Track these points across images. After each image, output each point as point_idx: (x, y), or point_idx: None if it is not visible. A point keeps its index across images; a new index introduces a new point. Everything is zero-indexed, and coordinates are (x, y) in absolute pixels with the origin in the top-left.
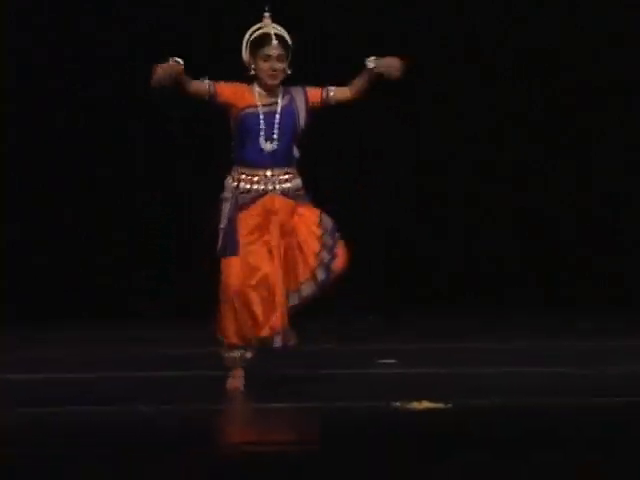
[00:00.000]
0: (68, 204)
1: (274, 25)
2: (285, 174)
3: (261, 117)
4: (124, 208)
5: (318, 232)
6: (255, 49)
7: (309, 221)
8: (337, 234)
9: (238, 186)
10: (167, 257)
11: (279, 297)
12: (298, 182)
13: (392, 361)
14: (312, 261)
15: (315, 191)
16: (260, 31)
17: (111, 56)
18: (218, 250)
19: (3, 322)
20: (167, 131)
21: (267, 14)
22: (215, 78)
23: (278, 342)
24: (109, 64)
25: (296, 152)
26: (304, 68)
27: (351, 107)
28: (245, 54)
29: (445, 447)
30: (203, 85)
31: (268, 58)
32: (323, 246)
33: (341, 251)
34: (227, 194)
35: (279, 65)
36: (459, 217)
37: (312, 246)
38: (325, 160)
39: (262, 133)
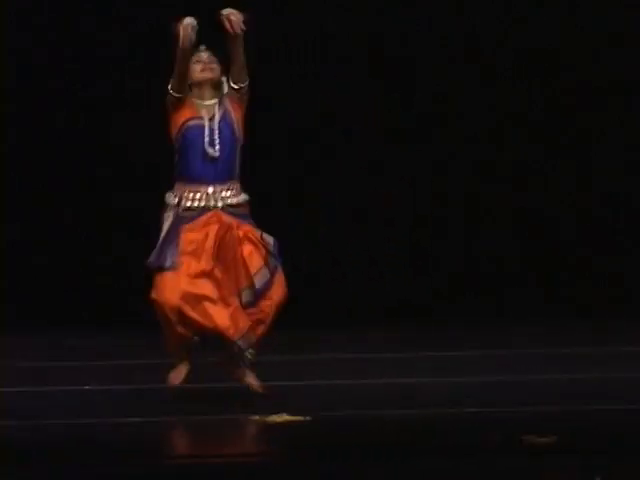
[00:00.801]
0: (68, 204)
1: None
2: (228, 190)
3: (206, 126)
4: (124, 208)
5: (263, 251)
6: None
7: (254, 238)
8: (278, 266)
9: (180, 203)
10: None
11: (226, 304)
12: (242, 197)
13: None
14: (253, 270)
15: (317, 191)
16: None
17: (111, 56)
18: (151, 261)
19: (3, 323)
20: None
21: (202, 47)
22: None
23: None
24: (109, 64)
25: (237, 168)
26: (304, 68)
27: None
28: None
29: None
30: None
31: (199, 58)
32: (266, 265)
33: (279, 281)
34: (167, 214)
35: (211, 64)
36: (459, 217)
37: (255, 261)
38: (323, 161)
39: (206, 140)
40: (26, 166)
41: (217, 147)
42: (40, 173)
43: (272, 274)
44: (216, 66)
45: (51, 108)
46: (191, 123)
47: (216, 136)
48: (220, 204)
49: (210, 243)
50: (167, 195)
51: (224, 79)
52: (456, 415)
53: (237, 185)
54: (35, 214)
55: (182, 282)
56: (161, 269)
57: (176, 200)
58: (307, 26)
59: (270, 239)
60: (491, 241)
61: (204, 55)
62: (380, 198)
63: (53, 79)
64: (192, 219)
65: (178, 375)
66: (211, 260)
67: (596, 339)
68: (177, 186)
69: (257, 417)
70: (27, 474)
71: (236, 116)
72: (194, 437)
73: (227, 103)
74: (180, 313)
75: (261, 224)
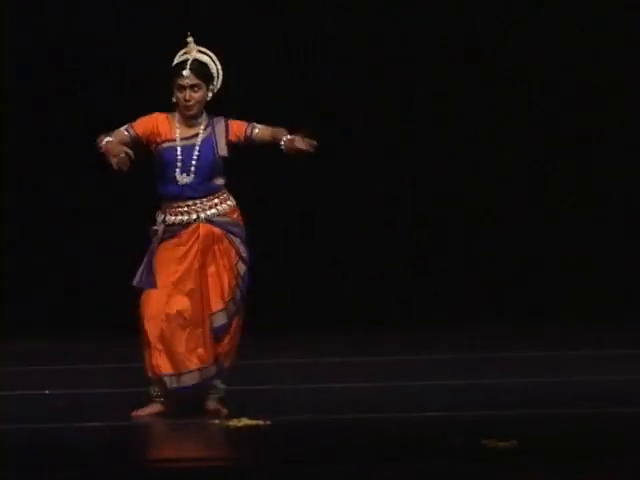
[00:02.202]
0: (68, 204)
1: (200, 49)
2: (208, 201)
3: (179, 151)
4: (124, 208)
5: (235, 271)
6: (172, 78)
7: (230, 256)
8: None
9: (165, 219)
10: None
11: (202, 330)
12: (225, 206)
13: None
14: (227, 293)
15: (317, 191)
16: (179, 58)
17: (111, 56)
18: (135, 281)
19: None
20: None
21: (190, 39)
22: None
23: (196, 377)
24: (109, 64)
25: (220, 181)
26: (304, 68)
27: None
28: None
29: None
30: (122, 133)
31: (181, 89)
32: (237, 285)
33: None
34: (156, 227)
35: (193, 95)
36: (459, 217)
37: (229, 278)
38: (323, 161)
39: (179, 165)
40: (26, 166)
41: (191, 174)
42: (40, 173)
43: (231, 317)
44: (201, 94)
45: (51, 108)
46: (165, 146)
47: (193, 163)
48: (202, 215)
49: (188, 261)
50: (157, 213)
51: (209, 94)
52: (456, 418)
53: (220, 196)
54: (35, 214)
55: (157, 301)
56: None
57: (162, 215)
58: (307, 26)
59: (242, 269)
60: (491, 241)
61: (187, 80)
62: (380, 198)
63: (53, 79)
64: (175, 234)
65: (145, 410)
66: (187, 279)
67: (598, 341)
68: (160, 201)
69: (217, 421)
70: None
71: (223, 137)
72: (165, 441)
73: (217, 123)
74: (158, 333)
75: (261, 225)
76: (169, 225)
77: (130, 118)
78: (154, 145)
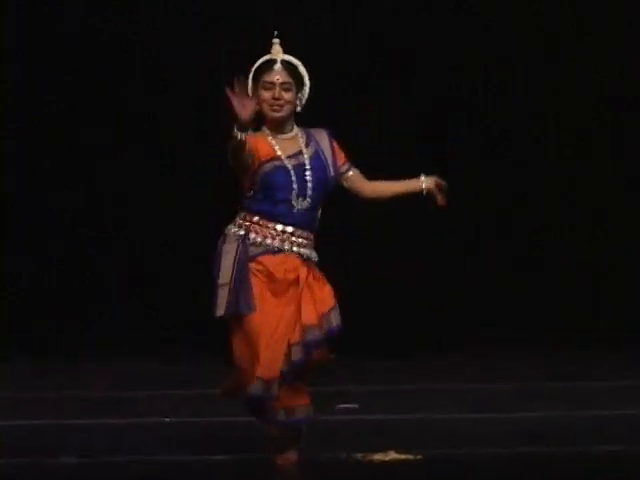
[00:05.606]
0: (68, 204)
1: (285, 56)
2: (306, 238)
3: (291, 172)
4: (124, 208)
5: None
6: (257, 77)
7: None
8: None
9: (247, 235)
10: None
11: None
12: (315, 254)
13: (354, 406)
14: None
15: None
16: (265, 57)
17: (111, 56)
18: (226, 311)
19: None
20: (166, 131)
21: (276, 40)
22: (216, 75)
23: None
24: (109, 64)
25: (320, 211)
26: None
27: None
28: (251, 88)
29: None
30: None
31: (270, 86)
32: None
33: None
34: (229, 246)
35: (284, 95)
36: (458, 218)
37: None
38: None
39: (294, 188)
40: (26, 166)
41: (308, 199)
42: (40, 173)
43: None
44: (292, 96)
45: (51, 108)
46: (269, 167)
47: (308, 185)
48: (295, 249)
49: (281, 283)
50: (229, 228)
51: (300, 98)
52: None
53: (313, 237)
54: (35, 214)
55: (260, 327)
56: (237, 315)
57: (242, 232)
58: (307, 26)
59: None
60: (491, 242)
61: (278, 76)
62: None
63: (53, 79)
64: (258, 255)
65: (288, 457)
66: (281, 300)
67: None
68: (243, 217)
69: (361, 455)
70: None
71: (330, 154)
72: (289, 476)
73: (319, 137)
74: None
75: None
76: (251, 244)
77: (131, 118)
78: (254, 160)
